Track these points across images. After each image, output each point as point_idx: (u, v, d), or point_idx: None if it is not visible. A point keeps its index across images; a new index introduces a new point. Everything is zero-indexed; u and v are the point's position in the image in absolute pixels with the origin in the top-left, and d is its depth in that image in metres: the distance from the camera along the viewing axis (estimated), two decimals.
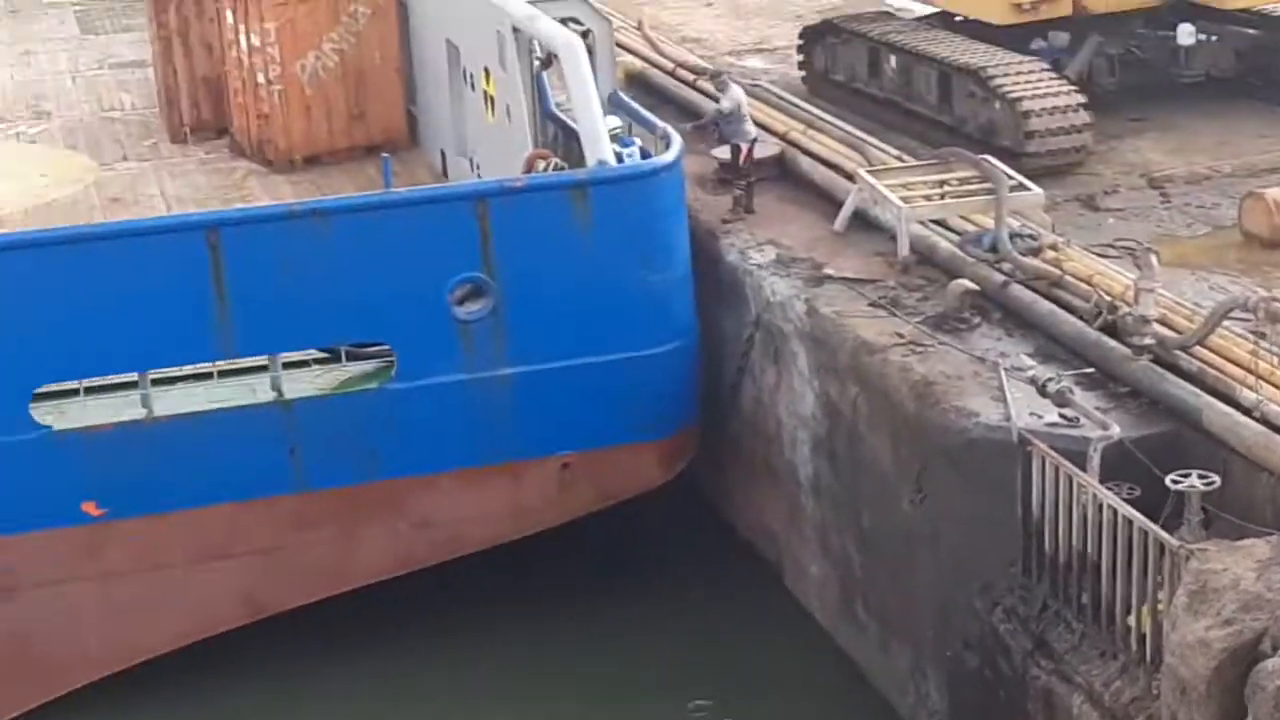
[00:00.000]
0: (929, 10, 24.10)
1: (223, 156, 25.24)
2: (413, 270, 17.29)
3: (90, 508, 17.06)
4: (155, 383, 17.60)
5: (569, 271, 17.67)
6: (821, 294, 17.89)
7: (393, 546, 18.06)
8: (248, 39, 24.25)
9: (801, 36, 25.19)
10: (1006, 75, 21.05)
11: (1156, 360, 15.23)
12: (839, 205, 19.65)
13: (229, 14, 24.55)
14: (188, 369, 18.13)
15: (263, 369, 17.98)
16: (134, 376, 17.54)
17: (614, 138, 18.54)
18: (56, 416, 17.30)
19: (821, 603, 18.20)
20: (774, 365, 18.43)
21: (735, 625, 18.56)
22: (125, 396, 17.67)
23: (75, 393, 17.73)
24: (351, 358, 18.53)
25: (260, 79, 24.26)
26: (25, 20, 34.37)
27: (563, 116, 20.21)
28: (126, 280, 16.73)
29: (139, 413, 17.40)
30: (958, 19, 23.39)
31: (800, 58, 25.14)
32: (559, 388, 17.80)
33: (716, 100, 20.81)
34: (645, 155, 18.57)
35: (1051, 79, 21.16)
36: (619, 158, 18.26)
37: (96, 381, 17.76)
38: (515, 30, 19.94)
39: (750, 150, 20.35)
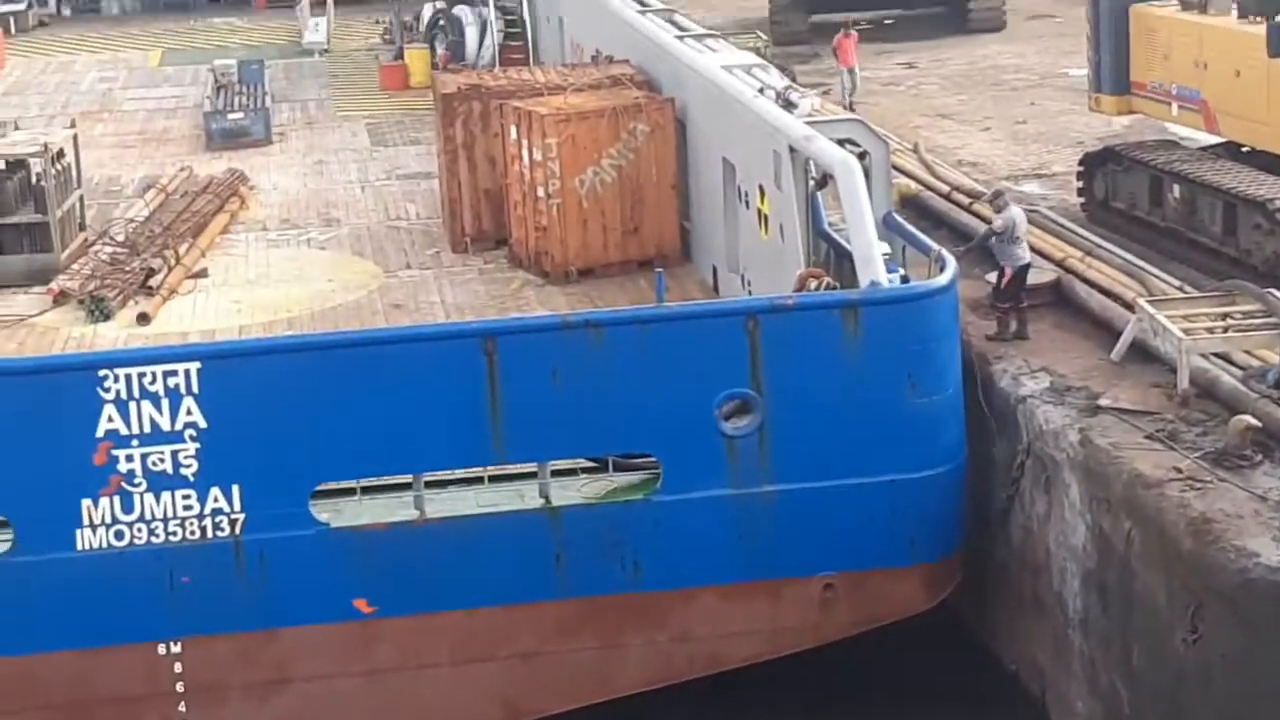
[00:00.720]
0: (1214, 140, 23.63)
1: (501, 266, 25.93)
2: (682, 384, 17.43)
3: (361, 604, 17.46)
4: (428, 485, 17.99)
5: (837, 391, 17.61)
6: (1096, 424, 17.52)
7: (652, 658, 18.09)
8: (530, 153, 24.94)
9: (1082, 163, 24.91)
10: None
11: None
12: (1116, 335, 19.27)
13: (513, 129, 25.31)
14: (459, 473, 18.47)
15: (531, 475, 18.26)
16: (408, 478, 17.96)
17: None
18: (334, 514, 17.79)
19: None
20: (1044, 495, 18.07)
21: None
22: (399, 497, 18.09)
23: (352, 492, 18.23)
24: (618, 468, 18.71)
25: (540, 192, 24.91)
26: (320, 131, 35.96)
27: (836, 236, 20.26)
28: (405, 384, 17.17)
29: (411, 514, 17.79)
30: (1245, 149, 22.88)
31: (1080, 184, 24.85)
32: (823, 507, 17.70)
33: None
34: (904, 281, 18.51)
35: None
36: None
37: (372, 481, 18.23)
38: (792, 150, 20.12)
39: (1015, 274, 20.05)
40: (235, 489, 17.08)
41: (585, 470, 18.79)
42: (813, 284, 19.11)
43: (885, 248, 19.13)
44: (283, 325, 23.49)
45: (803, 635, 18.19)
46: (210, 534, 17.10)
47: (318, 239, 28.10)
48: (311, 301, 24.67)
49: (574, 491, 18.42)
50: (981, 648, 19.84)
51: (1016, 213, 20.26)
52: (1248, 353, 18.17)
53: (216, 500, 17.08)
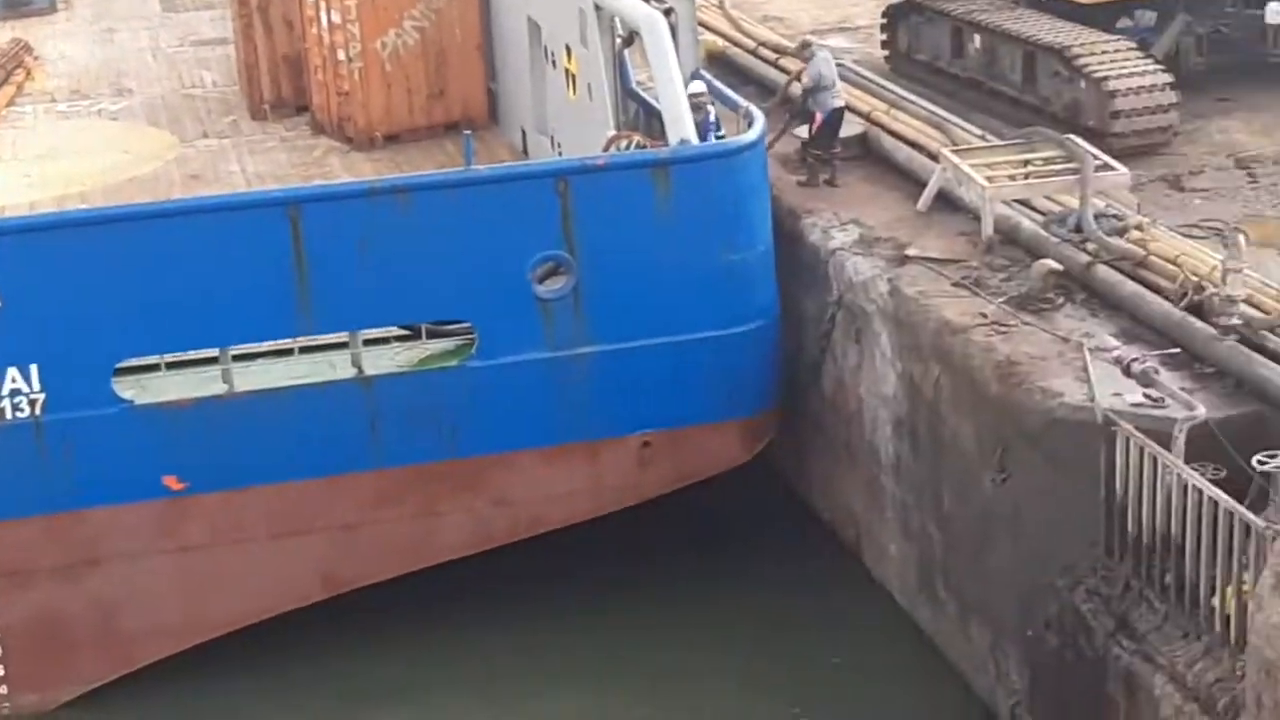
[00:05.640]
0: None
1: (303, 134, 25.33)
2: (493, 248, 17.28)
3: (171, 481, 17.17)
4: (236, 358, 17.67)
5: (650, 250, 17.61)
6: (904, 274, 17.72)
7: (471, 524, 18.08)
8: (328, 16, 24.30)
9: (884, 15, 24.98)
10: (1092, 54, 20.78)
11: (1243, 340, 15.02)
12: (922, 185, 19.48)
13: None
14: (268, 345, 18.16)
15: (343, 346, 18.02)
16: (215, 352, 17.62)
17: (697, 106, 18.45)
18: (138, 391, 17.42)
19: (901, 582, 18.07)
20: (855, 345, 18.29)
21: (813, 604, 18.47)
22: (206, 372, 17.75)
23: (156, 368, 17.84)
24: (432, 335, 18.53)
25: (341, 56, 24.32)
26: None
27: (644, 95, 20.13)
28: (207, 257, 16.78)
29: (219, 388, 17.48)
30: None
31: (883, 37, 24.94)
32: (639, 366, 17.76)
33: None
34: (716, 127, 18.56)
35: (1138, 58, 20.87)
36: (704, 134, 18.19)
37: (178, 357, 17.85)
38: (597, 7, 19.86)
39: (826, 120, 20.13)
40: (33, 368, 16.62)
41: (398, 339, 18.62)
42: (623, 144, 19.00)
43: (701, 87, 19.06)
44: (76, 199, 22.75)
45: (623, 493, 18.31)
46: (10, 415, 16.65)
47: (109, 110, 27.21)
48: (105, 174, 23.91)
49: (387, 360, 18.25)
50: (798, 499, 20.16)
51: (823, 60, 20.36)
52: (1048, 198, 18.49)
53: (14, 380, 16.61)
